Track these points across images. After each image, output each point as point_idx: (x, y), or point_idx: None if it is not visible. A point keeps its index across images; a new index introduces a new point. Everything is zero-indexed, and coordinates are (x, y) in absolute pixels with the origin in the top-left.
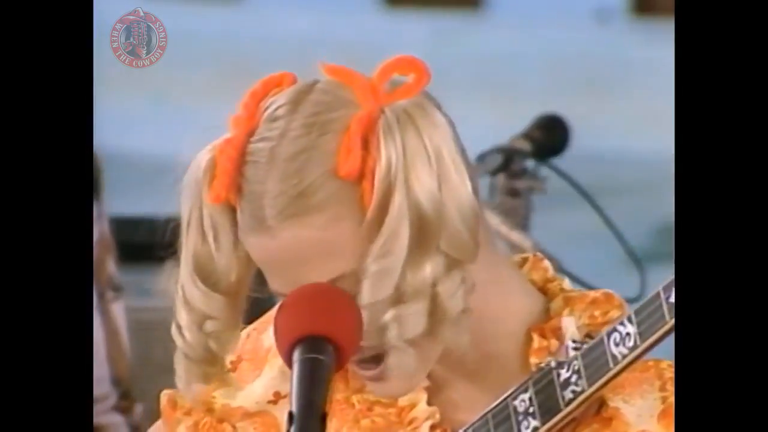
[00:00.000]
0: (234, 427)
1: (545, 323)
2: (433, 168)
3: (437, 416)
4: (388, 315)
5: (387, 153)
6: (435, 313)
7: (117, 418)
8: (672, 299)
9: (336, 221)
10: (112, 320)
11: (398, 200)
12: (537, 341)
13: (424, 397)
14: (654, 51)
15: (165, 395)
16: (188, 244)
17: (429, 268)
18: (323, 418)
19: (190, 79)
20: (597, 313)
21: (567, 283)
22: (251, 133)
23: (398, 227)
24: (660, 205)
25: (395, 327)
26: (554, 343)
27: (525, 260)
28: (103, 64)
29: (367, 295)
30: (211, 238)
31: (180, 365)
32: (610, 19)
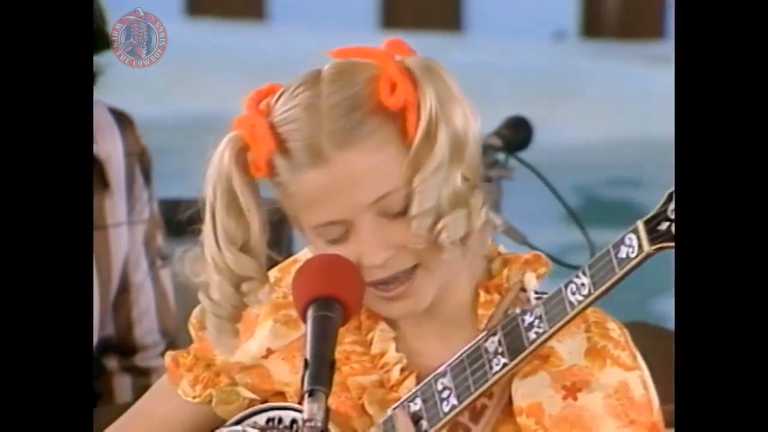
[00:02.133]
0: (231, 378)
1: (489, 281)
2: (459, 104)
3: (404, 361)
4: (441, 223)
5: (428, 92)
6: (468, 222)
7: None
8: (620, 254)
9: (384, 144)
10: (160, 283)
11: (443, 131)
12: (483, 296)
13: (392, 345)
14: (599, 65)
15: (169, 355)
16: (219, 222)
17: (460, 185)
18: (332, 365)
19: (202, 84)
20: (528, 270)
21: (502, 248)
22: (266, 116)
23: (444, 153)
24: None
25: (446, 231)
26: (497, 297)
27: None
28: (103, 64)
29: (416, 206)
30: (246, 208)
31: (211, 323)
32: (565, 40)
